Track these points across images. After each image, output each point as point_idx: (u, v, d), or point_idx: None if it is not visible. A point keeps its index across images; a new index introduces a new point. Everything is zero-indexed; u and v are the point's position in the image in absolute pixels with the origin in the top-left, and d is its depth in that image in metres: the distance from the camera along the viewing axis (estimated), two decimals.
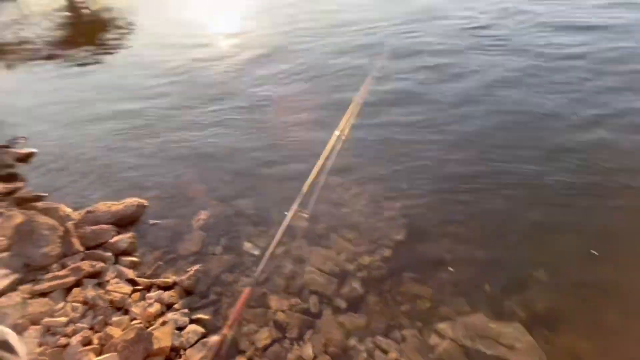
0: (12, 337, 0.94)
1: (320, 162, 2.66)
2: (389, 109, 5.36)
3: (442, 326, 2.73)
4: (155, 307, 2.80)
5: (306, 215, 2.47)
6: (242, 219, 3.98)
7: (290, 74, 6.70)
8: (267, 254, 2.38)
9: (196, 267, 3.33)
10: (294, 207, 2.45)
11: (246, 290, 2.55)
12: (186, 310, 2.89)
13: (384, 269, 3.29)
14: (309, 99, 5.96)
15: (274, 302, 3.04)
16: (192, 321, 2.82)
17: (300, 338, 2.75)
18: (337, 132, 2.76)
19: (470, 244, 3.44)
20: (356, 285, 3.15)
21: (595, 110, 4.87)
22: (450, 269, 3.21)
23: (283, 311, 2.96)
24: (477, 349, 2.52)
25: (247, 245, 3.65)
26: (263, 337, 2.73)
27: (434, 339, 2.68)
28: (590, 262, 3.12)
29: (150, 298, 2.91)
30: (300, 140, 5.04)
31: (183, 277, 3.16)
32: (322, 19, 9.10)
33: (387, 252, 3.43)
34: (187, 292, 3.09)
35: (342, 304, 3.01)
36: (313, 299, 3.05)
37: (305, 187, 2.66)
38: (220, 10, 10.97)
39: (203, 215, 3.95)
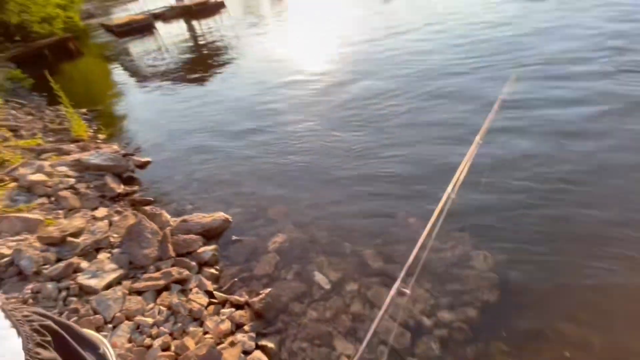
0: (109, 349, 0.95)
1: (428, 227, 2.42)
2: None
3: None
4: (227, 325, 2.88)
5: (408, 292, 2.20)
6: (316, 246, 3.96)
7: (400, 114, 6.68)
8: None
9: (268, 290, 3.36)
10: (396, 284, 2.21)
11: None
12: (254, 334, 2.91)
13: (467, 333, 2.85)
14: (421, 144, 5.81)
15: (340, 345, 2.87)
16: (257, 347, 2.81)
17: None
18: (449, 189, 2.50)
19: (584, 324, 2.77)
20: (433, 344, 2.79)
21: None
22: (567, 354, 2.61)
23: (348, 357, 2.75)
24: None
25: (318, 277, 3.58)
26: None
27: None
28: None
29: (223, 314, 3.01)
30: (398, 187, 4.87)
31: (255, 299, 3.22)
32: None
33: (472, 312, 2.98)
34: (257, 315, 3.11)
35: None
36: (381, 349, 2.78)
37: (410, 259, 2.43)
38: (310, 52, 11.56)
39: (279, 238, 4.04)
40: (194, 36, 16.52)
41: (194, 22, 19.51)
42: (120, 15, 24.36)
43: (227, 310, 3.08)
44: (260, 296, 3.23)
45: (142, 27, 19.75)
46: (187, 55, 13.50)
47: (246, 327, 2.95)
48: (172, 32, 18.36)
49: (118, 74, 13.10)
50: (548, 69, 6.46)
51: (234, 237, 4.19)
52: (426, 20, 10.76)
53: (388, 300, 2.13)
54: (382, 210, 4.28)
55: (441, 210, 2.52)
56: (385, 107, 6.41)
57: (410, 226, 3.95)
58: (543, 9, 9.51)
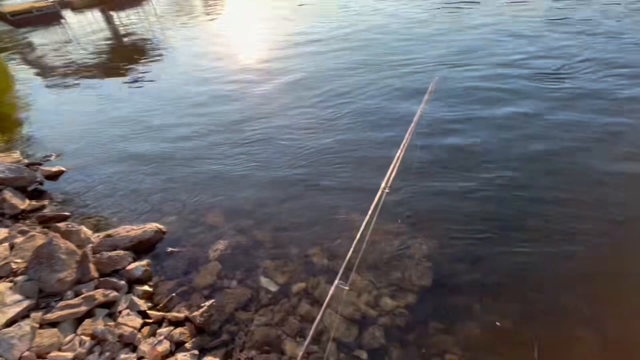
0: None
1: (366, 219, 2.48)
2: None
3: None
4: (164, 346, 2.64)
5: (346, 288, 2.24)
6: (260, 250, 3.84)
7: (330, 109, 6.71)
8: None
9: (210, 301, 3.16)
10: (336, 280, 2.24)
11: None
12: (197, 351, 2.71)
13: (407, 317, 3.02)
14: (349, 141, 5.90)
15: (288, 347, 2.82)
16: None
17: None
18: (382, 185, 2.58)
19: (505, 295, 3.13)
20: (378, 333, 2.89)
21: None
22: (498, 323, 2.92)
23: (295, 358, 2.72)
24: None
25: (264, 281, 3.47)
26: None
27: None
28: None
29: (160, 334, 2.75)
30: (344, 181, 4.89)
31: (196, 313, 3.00)
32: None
33: (411, 298, 3.17)
34: (199, 330, 2.91)
35: (363, 355, 2.75)
36: (332, 347, 2.80)
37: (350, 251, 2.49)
38: (242, 45, 11.26)
39: (221, 245, 3.83)
40: (112, 29, 14.82)
41: (112, 13, 17.50)
42: (17, 0, 20.79)
43: (164, 330, 2.82)
44: (202, 309, 3.02)
45: (46, 16, 17.11)
46: (104, 50, 12.06)
47: (188, 345, 2.73)
48: (85, 24, 16.25)
49: (18, 69, 11.17)
50: (469, 69, 7.17)
51: (169, 249, 3.86)
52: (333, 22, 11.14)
53: (329, 296, 2.15)
54: (324, 208, 4.32)
55: (377, 204, 2.61)
56: (325, 108, 6.48)
57: (352, 221, 4.05)
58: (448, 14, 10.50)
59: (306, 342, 1.95)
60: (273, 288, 3.36)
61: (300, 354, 2.06)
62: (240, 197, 4.61)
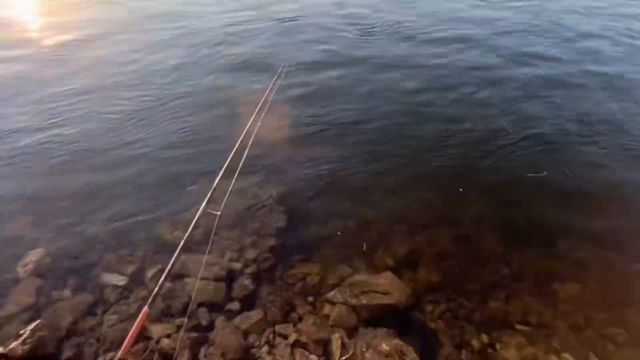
0: None
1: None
2: None
3: (331, 294, 2.89)
4: None
5: (218, 213, 2.24)
6: (95, 246, 3.24)
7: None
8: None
9: (34, 324, 2.52)
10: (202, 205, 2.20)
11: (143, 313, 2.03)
12: None
13: (271, 259, 3.25)
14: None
15: (156, 329, 2.61)
16: None
17: (194, 358, 2.45)
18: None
19: (343, 214, 3.74)
20: (247, 282, 3.02)
21: None
22: (339, 233, 3.46)
23: (168, 336, 2.57)
24: (362, 303, 2.79)
25: (108, 277, 3.00)
26: None
27: (326, 308, 2.82)
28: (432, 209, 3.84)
29: None
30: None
31: (16, 344, 2.35)
32: None
33: (271, 242, 3.40)
34: None
35: (235, 305, 2.83)
36: (202, 312, 2.76)
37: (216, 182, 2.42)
38: None
39: (33, 256, 3.02)
40: None
41: None
42: None
43: None
44: (24, 337, 2.39)
45: None
46: None
47: None
48: None
49: None
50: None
51: None
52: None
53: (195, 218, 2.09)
54: (168, 177, 3.98)
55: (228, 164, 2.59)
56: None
57: (200, 189, 3.89)
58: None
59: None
60: (121, 282, 2.96)
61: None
62: (51, 191, 3.68)
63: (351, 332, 2.66)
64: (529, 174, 4.11)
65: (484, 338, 2.74)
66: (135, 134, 4.64)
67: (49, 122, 4.77)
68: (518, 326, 2.82)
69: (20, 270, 2.90)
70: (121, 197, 3.76)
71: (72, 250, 3.17)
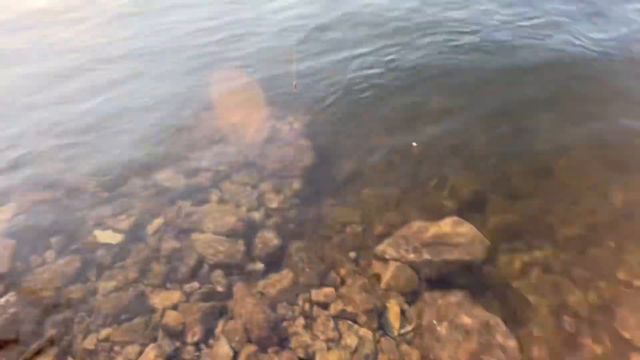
0: None
1: None
2: None
3: (381, 248, 2.13)
4: None
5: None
6: (83, 198, 2.56)
7: None
8: None
9: (6, 297, 1.93)
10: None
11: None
12: None
13: (299, 206, 2.48)
14: None
15: (158, 299, 1.98)
16: None
17: (208, 336, 1.82)
18: None
19: (384, 145, 2.84)
20: (270, 235, 2.28)
21: None
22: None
23: (175, 308, 1.93)
24: (424, 259, 2.02)
25: (101, 235, 2.34)
26: (149, 359, 1.70)
27: (377, 267, 2.09)
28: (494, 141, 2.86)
29: None
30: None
31: None
32: None
33: (297, 184, 2.60)
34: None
35: (257, 266, 2.13)
36: (216, 276, 2.09)
37: None
38: None
39: (4, 213, 2.36)
40: None
41: None
42: None
43: None
44: None
45: None
46: None
47: None
48: None
49: None
50: None
51: None
52: None
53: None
54: (157, 122, 3.16)
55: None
56: None
57: (209, 127, 3.04)
58: None
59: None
60: (116, 239, 2.30)
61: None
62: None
63: (412, 296, 1.93)
64: None
65: (591, 298, 1.97)
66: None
67: None
68: (636, 281, 2.01)
69: None
70: (111, 138, 3.00)
71: (55, 205, 2.49)
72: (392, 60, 3.64)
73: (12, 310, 1.84)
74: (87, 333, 1.86)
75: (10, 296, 1.93)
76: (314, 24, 4.31)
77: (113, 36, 4.40)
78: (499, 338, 1.64)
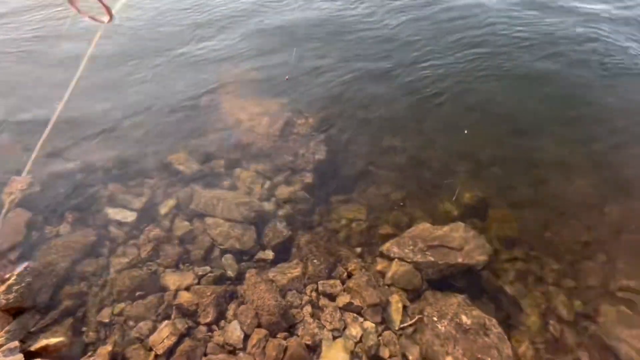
0: None
1: None
2: None
3: (387, 246, 2.20)
4: None
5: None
6: (97, 175, 2.55)
7: None
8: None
9: (23, 266, 1.95)
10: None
11: None
12: (16, 343, 1.63)
13: (309, 199, 2.52)
14: None
15: (171, 280, 2.01)
16: (31, 355, 1.62)
17: (220, 317, 1.87)
18: None
19: (394, 148, 2.88)
20: (280, 226, 2.33)
21: None
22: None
23: (187, 289, 1.98)
24: (429, 260, 2.10)
25: (113, 212, 2.35)
26: (163, 336, 1.75)
27: (381, 264, 2.15)
28: (501, 146, 2.93)
29: None
30: None
31: None
32: None
33: (308, 178, 2.63)
34: (14, 313, 1.77)
35: (267, 254, 2.18)
36: (228, 261, 2.13)
37: None
38: None
39: (20, 183, 2.34)
40: None
41: None
42: None
43: None
44: (9, 282, 1.82)
45: None
46: None
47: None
48: None
49: None
50: None
51: None
52: None
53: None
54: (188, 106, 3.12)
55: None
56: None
57: (220, 112, 3.02)
58: None
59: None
60: (129, 218, 2.31)
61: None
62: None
63: (414, 294, 2.01)
64: None
65: (578, 306, 2.08)
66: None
67: None
68: (619, 293, 2.13)
69: (6, 199, 2.24)
70: (127, 120, 2.97)
71: (69, 178, 2.48)
72: (412, 64, 3.62)
73: (27, 279, 1.85)
74: (101, 306, 1.90)
75: (26, 266, 1.93)
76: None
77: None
78: (494, 338, 1.73)
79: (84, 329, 1.82)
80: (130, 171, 2.61)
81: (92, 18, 1.70)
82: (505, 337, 1.79)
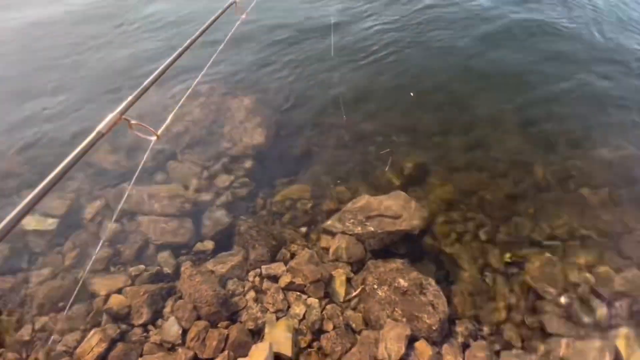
0: None
1: None
2: None
3: (329, 223, 2.19)
4: None
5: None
6: (7, 181, 2.28)
7: None
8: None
9: None
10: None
11: None
12: None
13: (250, 184, 2.44)
14: None
15: (100, 285, 1.87)
16: None
17: (156, 317, 1.78)
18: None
19: (333, 125, 2.85)
20: (219, 214, 2.23)
21: None
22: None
23: (119, 291, 1.84)
24: (369, 230, 2.12)
25: (28, 221, 2.11)
26: (92, 344, 1.62)
27: (325, 241, 2.15)
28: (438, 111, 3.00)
29: None
30: None
31: None
32: None
33: (248, 162, 2.54)
34: None
35: (207, 245, 2.09)
36: (163, 257, 2.01)
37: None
38: None
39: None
40: None
41: None
42: None
43: None
44: None
45: None
46: None
47: None
48: None
49: None
50: None
51: None
52: None
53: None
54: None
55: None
56: None
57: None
58: None
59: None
60: (49, 226, 2.10)
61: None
62: None
63: (358, 266, 2.03)
64: None
65: (507, 257, 2.22)
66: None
67: None
68: (546, 242, 2.30)
69: None
70: (41, 109, 2.67)
71: None
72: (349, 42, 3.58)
73: None
74: (20, 324, 1.72)
75: None
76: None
77: None
78: (429, 296, 1.80)
79: (2, 352, 1.64)
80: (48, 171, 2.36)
81: None
82: (441, 293, 1.86)
